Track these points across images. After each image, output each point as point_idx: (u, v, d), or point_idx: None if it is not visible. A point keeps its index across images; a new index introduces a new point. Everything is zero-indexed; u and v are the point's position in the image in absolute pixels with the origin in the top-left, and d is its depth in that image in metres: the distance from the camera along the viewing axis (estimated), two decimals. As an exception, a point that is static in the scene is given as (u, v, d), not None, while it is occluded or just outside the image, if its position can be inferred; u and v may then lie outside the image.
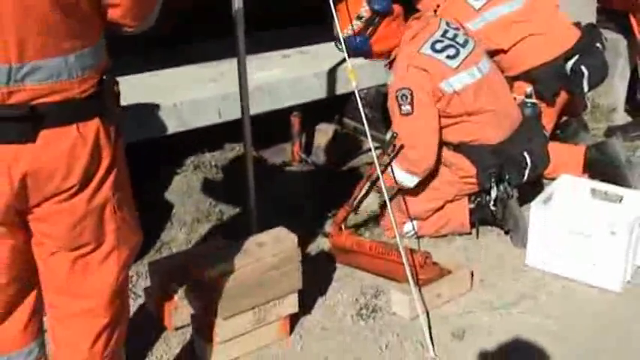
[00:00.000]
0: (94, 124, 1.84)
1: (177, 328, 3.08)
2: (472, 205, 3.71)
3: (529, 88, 3.88)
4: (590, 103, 4.92)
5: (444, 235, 3.80)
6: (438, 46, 3.53)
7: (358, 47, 3.59)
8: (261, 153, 4.72)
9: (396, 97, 3.48)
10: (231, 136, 4.31)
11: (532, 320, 3.16)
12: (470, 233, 3.77)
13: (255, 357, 2.96)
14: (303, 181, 4.46)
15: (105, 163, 1.89)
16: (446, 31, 3.61)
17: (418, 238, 3.73)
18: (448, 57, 3.51)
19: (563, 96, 4.20)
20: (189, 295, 2.95)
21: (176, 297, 3.05)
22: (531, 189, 3.85)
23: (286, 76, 4.56)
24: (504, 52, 4.15)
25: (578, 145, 4.28)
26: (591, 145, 4.22)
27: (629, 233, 3.24)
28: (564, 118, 4.49)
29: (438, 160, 3.64)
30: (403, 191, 3.74)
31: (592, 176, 4.06)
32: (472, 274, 3.41)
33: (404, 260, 2.91)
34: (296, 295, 3.00)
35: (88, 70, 1.81)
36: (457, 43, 3.59)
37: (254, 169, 4.28)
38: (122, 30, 1.91)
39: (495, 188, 3.57)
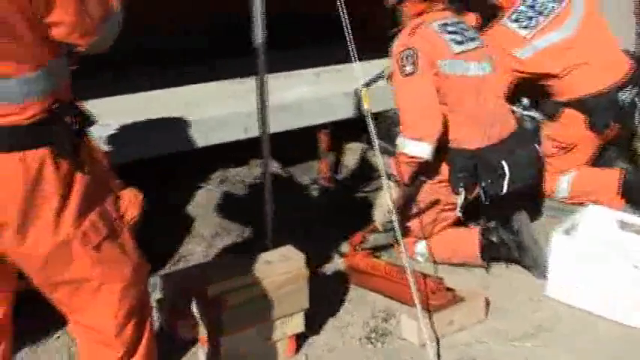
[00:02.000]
0: (41, 154, 1.76)
1: (186, 342, 3.06)
2: (485, 242, 3.60)
3: (525, 100, 3.78)
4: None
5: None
6: (449, 28, 3.53)
7: None
8: (289, 170, 4.73)
9: (400, 58, 3.44)
10: (258, 152, 4.31)
11: (547, 354, 3.06)
12: (484, 267, 3.67)
13: (259, 375, 2.93)
14: (328, 200, 4.44)
15: (55, 196, 1.79)
16: (458, 22, 3.61)
17: (435, 263, 3.66)
18: (454, 41, 3.49)
19: (613, 128, 4.09)
20: (195, 309, 2.94)
21: (185, 311, 3.05)
22: (558, 218, 3.75)
23: (315, 94, 4.56)
24: (556, 77, 4.07)
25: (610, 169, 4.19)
26: (627, 170, 4.13)
27: (653, 267, 3.13)
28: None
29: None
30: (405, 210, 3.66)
31: (628, 201, 3.98)
32: (487, 303, 3.33)
33: (411, 284, 2.85)
34: (302, 314, 2.96)
35: (34, 96, 1.73)
36: (466, 36, 3.57)
37: (279, 186, 4.32)
38: (76, 49, 1.83)
39: (464, 194, 3.46)
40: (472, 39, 3.59)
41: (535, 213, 4.23)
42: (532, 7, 4.14)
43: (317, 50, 5.19)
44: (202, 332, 2.90)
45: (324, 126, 4.58)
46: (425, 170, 3.55)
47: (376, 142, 2.99)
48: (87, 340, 2.08)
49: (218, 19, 4.93)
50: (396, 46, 3.50)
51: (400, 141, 3.46)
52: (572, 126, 4.10)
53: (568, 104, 4.09)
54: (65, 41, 1.78)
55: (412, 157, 3.43)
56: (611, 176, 4.08)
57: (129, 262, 2.04)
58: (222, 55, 5.05)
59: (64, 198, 1.82)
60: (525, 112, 3.70)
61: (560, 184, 4.29)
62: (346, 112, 4.51)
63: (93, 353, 2.09)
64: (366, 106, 3.03)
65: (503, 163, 3.45)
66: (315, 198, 4.47)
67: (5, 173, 1.73)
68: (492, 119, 3.55)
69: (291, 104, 4.38)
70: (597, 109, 4.01)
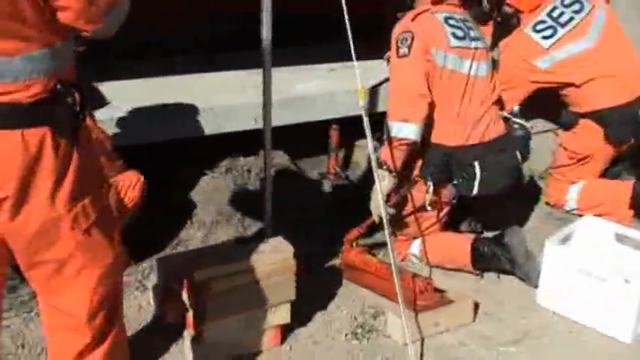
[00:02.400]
0: (41, 132, 1.80)
1: (175, 325, 3.12)
2: (475, 254, 3.58)
3: (516, 107, 3.76)
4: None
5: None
6: (451, 22, 3.54)
7: None
8: (298, 163, 4.76)
9: (397, 39, 3.48)
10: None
11: (530, 361, 3.08)
12: (478, 275, 3.67)
13: (242, 363, 2.98)
14: (332, 195, 4.47)
15: (51, 176, 1.83)
16: (465, 20, 3.61)
17: (429, 265, 3.68)
18: (453, 35, 3.51)
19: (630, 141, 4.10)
20: (183, 294, 2.99)
21: (174, 295, 3.10)
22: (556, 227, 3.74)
23: (326, 89, 4.59)
24: (576, 87, 4.07)
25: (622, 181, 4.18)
26: (637, 182, 4.11)
27: (644, 283, 3.12)
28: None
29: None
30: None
31: (637, 212, 3.99)
32: (476, 307, 3.35)
33: (396, 282, 2.87)
34: (288, 305, 3.00)
35: (37, 75, 1.77)
36: (469, 34, 3.58)
37: (285, 178, 4.37)
38: (82, 34, 1.87)
39: (432, 189, 3.48)
40: (475, 39, 3.59)
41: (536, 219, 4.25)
42: (553, 17, 4.13)
43: (335, 46, 5.22)
44: (189, 317, 2.95)
45: (334, 121, 4.61)
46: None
47: (369, 135, 2.99)
48: (55, 327, 2.11)
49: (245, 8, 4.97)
50: (397, 28, 3.55)
51: (388, 125, 3.48)
52: (588, 137, 4.09)
53: (585, 115, 4.07)
54: (72, 25, 1.81)
55: (400, 140, 3.44)
56: (623, 189, 4.06)
57: (111, 251, 2.08)
58: (241, 46, 5.11)
59: (60, 178, 1.86)
60: (516, 120, 3.67)
61: (569, 194, 4.28)
62: (355, 109, 4.52)
63: (61, 340, 2.12)
64: (361, 103, 3.05)
65: (476, 164, 3.45)
66: (321, 192, 4.50)
67: (6, 150, 1.77)
68: (475, 120, 3.55)
69: (300, 98, 4.43)
70: (615, 122, 4.00)
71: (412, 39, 3.41)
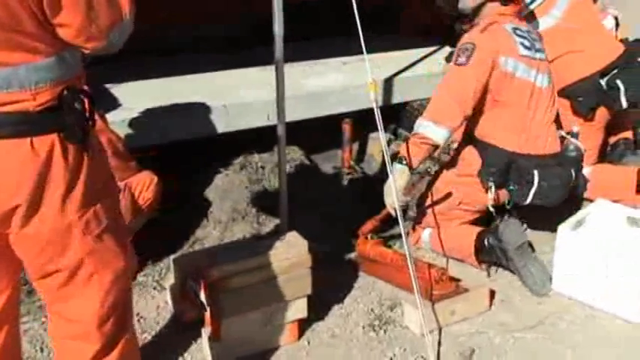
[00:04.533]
0: (50, 140, 1.81)
1: (193, 323, 3.15)
2: (479, 245, 3.58)
3: (576, 128, 3.74)
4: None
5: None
6: (519, 32, 3.57)
7: None
8: (313, 157, 4.79)
9: (460, 48, 3.51)
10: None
11: (546, 346, 3.08)
12: (483, 270, 3.65)
13: (261, 358, 3.00)
14: (347, 188, 4.49)
15: (62, 183, 1.85)
16: (530, 32, 3.65)
17: (445, 255, 3.69)
18: (522, 44, 3.53)
19: (603, 113, 4.09)
20: (199, 292, 3.03)
21: (191, 293, 3.14)
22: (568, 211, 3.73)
23: (340, 83, 4.61)
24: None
25: (626, 166, 4.15)
26: None
27: (658, 265, 3.12)
28: (614, 139, 4.35)
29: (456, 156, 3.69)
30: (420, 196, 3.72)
31: None
32: (492, 294, 3.36)
33: (411, 272, 2.89)
34: (305, 300, 3.03)
35: (44, 84, 1.78)
36: (534, 45, 3.61)
37: (300, 173, 4.40)
38: (83, 51, 1.86)
39: (493, 190, 3.48)
40: (539, 50, 3.62)
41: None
42: None
43: (349, 39, 5.23)
44: (206, 315, 2.98)
45: (347, 115, 4.62)
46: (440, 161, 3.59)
47: (381, 129, 3.01)
48: (64, 336, 2.10)
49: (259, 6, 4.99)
50: (464, 37, 3.56)
51: (419, 122, 3.50)
52: (563, 114, 4.06)
53: (558, 93, 4.06)
54: (72, 43, 1.81)
55: (424, 138, 3.44)
56: (629, 174, 4.04)
57: (122, 256, 2.09)
58: (252, 43, 5.15)
59: (71, 185, 1.88)
60: (572, 140, 3.66)
61: None
62: (370, 102, 4.54)
63: (70, 349, 2.10)
64: (372, 96, 3.07)
65: (535, 172, 3.46)
66: (337, 186, 4.52)
67: (17, 158, 1.79)
68: (537, 131, 3.57)
69: (314, 92, 4.45)
70: (579, 94, 4.02)
71: (473, 51, 3.42)
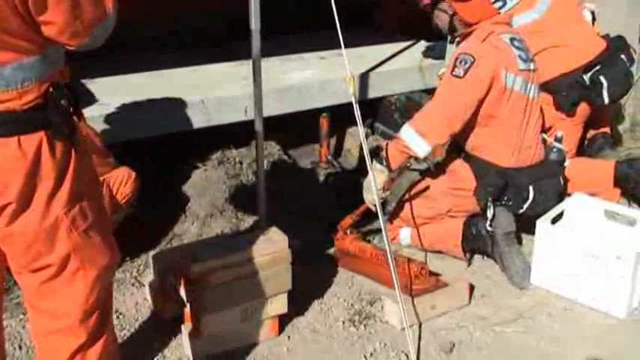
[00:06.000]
0: (37, 137, 1.81)
1: (171, 320, 3.14)
2: (466, 232, 3.59)
3: (559, 132, 3.76)
4: (630, 121, 4.78)
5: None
6: (516, 43, 3.53)
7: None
8: (290, 152, 4.77)
9: (456, 59, 3.44)
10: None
11: (526, 340, 3.11)
12: (465, 260, 3.67)
13: (241, 354, 2.99)
14: (325, 183, 4.49)
15: (50, 179, 1.85)
16: (522, 40, 3.60)
17: (424, 250, 3.71)
18: (520, 57, 3.50)
19: (584, 109, 4.11)
20: (179, 288, 3.01)
21: (171, 289, 3.12)
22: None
23: (317, 77, 4.60)
24: None
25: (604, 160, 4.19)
26: (622, 160, 4.15)
27: (636, 258, 3.14)
28: (592, 134, 4.39)
29: (444, 165, 3.69)
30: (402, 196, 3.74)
31: (623, 191, 4.01)
32: (472, 288, 3.38)
33: (391, 267, 2.89)
34: (285, 295, 3.02)
35: (29, 82, 1.78)
36: (528, 56, 3.58)
37: (278, 168, 4.38)
38: (67, 47, 1.86)
39: (492, 208, 3.46)
40: (531, 60, 3.60)
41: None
42: None
43: (326, 33, 5.23)
44: (186, 311, 2.97)
45: (324, 110, 4.62)
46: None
47: (360, 123, 3.00)
48: (46, 332, 2.10)
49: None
50: (462, 47, 3.50)
51: (405, 127, 3.47)
52: (544, 109, 4.08)
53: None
54: (55, 40, 1.81)
55: (406, 147, 3.43)
56: (606, 168, 4.08)
57: (107, 252, 2.10)
58: (228, 38, 5.12)
59: (59, 181, 1.88)
60: (556, 145, 3.67)
61: None
62: (346, 96, 4.53)
63: (53, 343, 2.11)
64: (351, 89, 3.06)
65: (530, 187, 3.48)
66: (314, 181, 4.51)
67: (5, 157, 1.79)
68: (529, 142, 3.57)
69: (292, 87, 4.44)
70: (562, 89, 4.04)
71: (471, 64, 3.36)
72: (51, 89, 1.83)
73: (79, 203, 1.95)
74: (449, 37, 3.97)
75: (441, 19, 3.62)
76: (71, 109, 1.92)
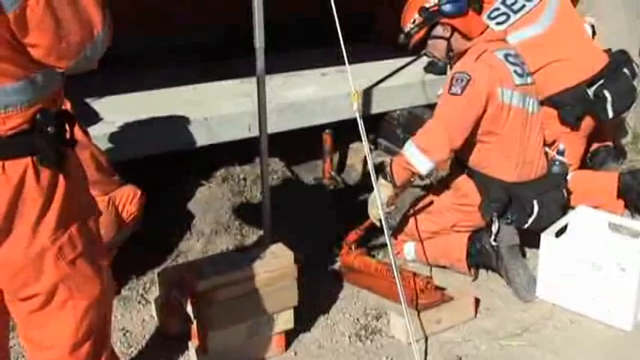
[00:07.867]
0: (23, 163, 1.76)
1: (178, 337, 3.14)
2: (470, 248, 3.60)
3: (562, 145, 3.78)
4: (632, 134, 4.80)
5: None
6: (511, 59, 3.55)
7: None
8: (294, 169, 4.79)
9: (452, 77, 3.46)
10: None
11: (532, 353, 3.11)
12: (471, 275, 3.67)
13: (248, 370, 3.00)
14: (329, 199, 4.49)
15: (35, 207, 1.79)
16: (517, 55, 3.62)
17: (427, 264, 3.72)
18: (515, 72, 3.52)
19: (589, 122, 4.13)
20: (186, 304, 3.02)
21: (177, 306, 3.13)
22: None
23: (320, 94, 4.63)
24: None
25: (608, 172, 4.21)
26: (626, 172, 4.16)
27: (640, 270, 3.15)
28: (595, 147, 4.41)
29: (448, 181, 3.70)
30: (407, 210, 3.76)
31: (627, 203, 4.01)
32: (477, 302, 3.38)
33: (397, 282, 2.90)
34: (291, 311, 3.03)
35: (13, 108, 1.73)
36: (524, 70, 3.60)
37: (282, 185, 4.40)
38: (56, 69, 1.80)
39: (497, 223, 3.47)
40: (528, 74, 3.62)
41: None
42: (507, 4, 4.18)
43: (328, 50, 5.27)
44: (193, 328, 2.97)
45: (327, 126, 4.64)
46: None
47: (365, 139, 3.02)
48: None
49: (232, 18, 5.00)
50: (457, 66, 3.52)
51: (408, 144, 3.49)
52: (548, 123, 4.10)
53: (541, 103, 4.10)
54: (44, 62, 1.76)
55: (409, 164, 3.45)
56: (610, 180, 4.09)
57: (98, 282, 2.01)
58: (231, 55, 5.16)
59: (45, 209, 1.81)
60: (558, 157, 3.70)
61: None
62: (349, 112, 4.56)
63: None
64: (355, 105, 3.08)
65: (534, 202, 3.50)
66: (318, 197, 4.52)
67: None
68: (531, 157, 3.59)
69: (294, 103, 4.46)
70: (567, 103, 4.05)
71: (467, 82, 3.38)
72: (39, 114, 1.80)
73: (68, 231, 1.88)
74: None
75: (437, 47, 3.64)
76: (63, 136, 1.85)
